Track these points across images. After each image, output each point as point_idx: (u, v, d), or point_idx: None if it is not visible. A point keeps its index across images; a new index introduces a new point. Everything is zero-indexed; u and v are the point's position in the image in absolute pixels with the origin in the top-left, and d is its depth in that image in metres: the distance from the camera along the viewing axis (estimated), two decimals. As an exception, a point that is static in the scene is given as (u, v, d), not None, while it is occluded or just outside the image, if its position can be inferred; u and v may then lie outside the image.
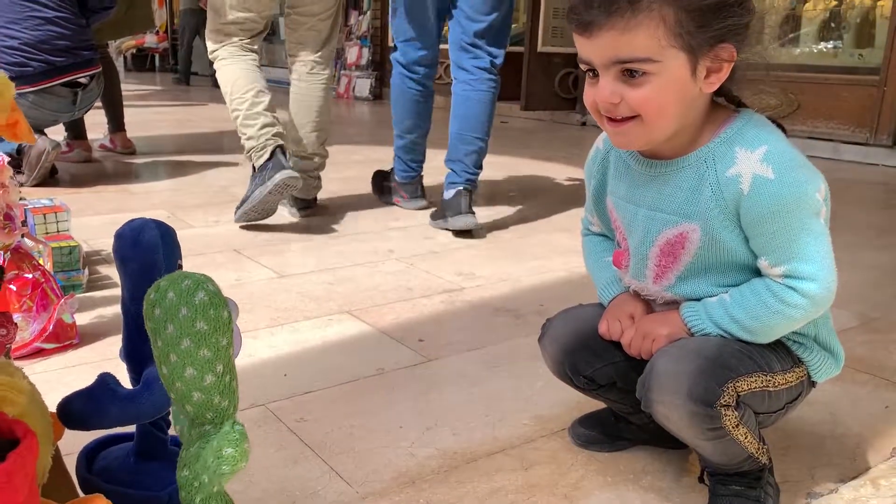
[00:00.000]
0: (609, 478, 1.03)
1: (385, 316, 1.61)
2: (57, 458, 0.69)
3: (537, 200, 2.86)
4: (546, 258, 2.07)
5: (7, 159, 1.32)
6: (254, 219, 2.25)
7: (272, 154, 2.22)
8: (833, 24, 4.32)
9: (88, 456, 0.79)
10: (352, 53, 7.30)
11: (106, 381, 0.66)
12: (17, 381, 0.55)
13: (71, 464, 0.78)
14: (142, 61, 10.11)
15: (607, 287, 1.06)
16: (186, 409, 0.59)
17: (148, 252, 0.68)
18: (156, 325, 0.57)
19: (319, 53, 2.47)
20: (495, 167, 3.57)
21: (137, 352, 0.71)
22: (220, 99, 2.75)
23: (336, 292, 1.75)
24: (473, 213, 2.32)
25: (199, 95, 7.10)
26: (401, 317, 1.61)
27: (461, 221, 2.28)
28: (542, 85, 5.45)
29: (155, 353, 0.59)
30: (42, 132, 2.77)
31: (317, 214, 2.51)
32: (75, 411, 0.64)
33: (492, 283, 1.85)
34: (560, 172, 3.50)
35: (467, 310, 1.68)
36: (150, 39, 9.88)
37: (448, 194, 2.35)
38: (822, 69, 4.28)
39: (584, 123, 5.49)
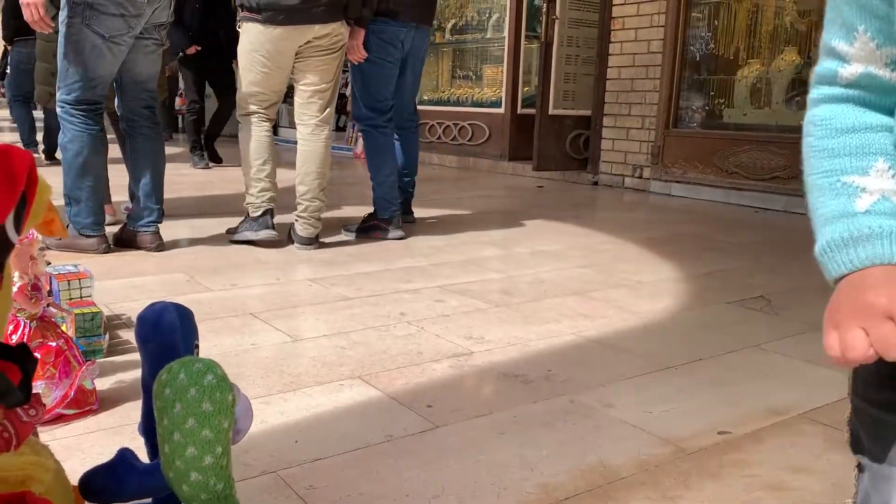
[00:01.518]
0: (611, 548, 1.05)
1: (395, 381, 1.65)
2: (77, 530, 0.73)
3: (547, 263, 2.90)
4: (555, 322, 2.11)
5: (36, 234, 1.40)
6: (238, 243, 3.07)
7: (263, 213, 3.02)
8: (838, 87, 4.39)
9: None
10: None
11: (125, 457, 0.70)
12: (44, 461, 0.59)
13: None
14: (175, 123, 10.40)
15: (853, 221, 0.54)
16: (182, 489, 0.63)
17: (167, 334, 0.73)
18: (164, 404, 0.61)
19: (320, 117, 3.07)
20: (509, 227, 3.64)
21: (153, 429, 0.76)
22: (239, 161, 3.10)
23: (348, 356, 1.79)
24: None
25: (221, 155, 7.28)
26: (410, 382, 1.65)
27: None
28: (553, 146, 5.56)
29: (159, 431, 0.63)
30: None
31: (332, 272, 2.57)
32: (97, 487, 0.69)
33: (500, 348, 1.88)
34: (572, 234, 3.56)
35: (476, 374, 1.71)
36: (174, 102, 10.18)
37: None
38: (829, 131, 4.34)
39: (595, 183, 5.57)
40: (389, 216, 3.32)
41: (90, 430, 1.37)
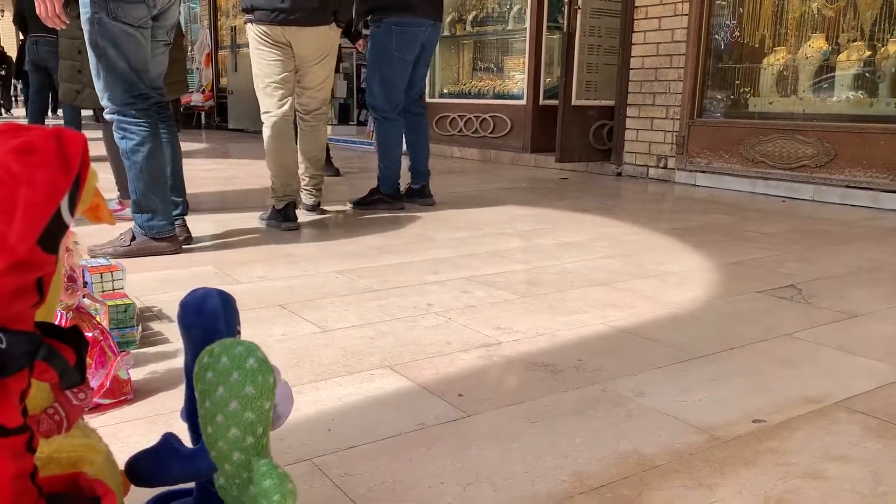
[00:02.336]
0: (648, 536, 1.04)
1: (424, 371, 1.65)
2: (123, 513, 0.74)
3: (572, 254, 2.89)
4: (583, 312, 2.10)
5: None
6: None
7: (286, 206, 3.32)
8: (868, 74, 4.32)
9: (150, 510, 0.83)
10: (389, 109, 7.50)
11: (170, 441, 0.71)
12: (95, 443, 0.60)
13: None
14: (188, 119, 10.50)
15: None
16: (225, 468, 0.63)
17: (210, 319, 0.73)
18: (206, 387, 0.62)
19: (319, 111, 3.55)
20: (532, 218, 3.63)
21: (195, 411, 0.77)
22: (262, 155, 3.30)
23: (377, 347, 1.79)
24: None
25: (243, 151, 7.33)
26: (440, 371, 1.65)
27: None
28: (576, 137, 5.53)
29: (201, 413, 0.64)
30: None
31: (359, 264, 2.58)
32: (143, 470, 0.69)
33: (529, 338, 1.88)
34: (596, 225, 3.54)
35: (505, 364, 1.71)
36: (196, 98, 10.28)
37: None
38: (858, 118, 4.28)
39: (619, 174, 5.53)
40: (392, 192, 3.87)
41: (126, 419, 1.39)
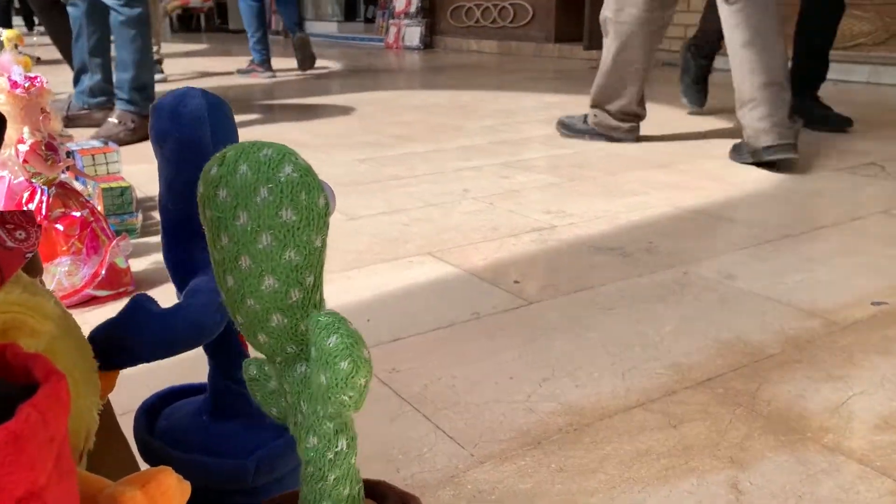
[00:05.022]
0: (781, 436, 0.83)
1: (470, 257, 1.42)
2: (108, 417, 0.53)
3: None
4: (643, 194, 1.85)
5: (46, 81, 1.16)
6: None
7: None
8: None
9: (149, 414, 0.62)
10: (400, 1, 7.02)
11: (139, 300, 0.49)
12: (43, 302, 0.37)
13: (126, 425, 0.61)
14: (187, 21, 10.01)
15: None
16: (258, 339, 0.40)
17: (191, 126, 0.49)
18: (220, 214, 0.38)
19: None
20: (566, 105, 3.32)
21: (182, 263, 0.54)
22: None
23: (412, 233, 1.56)
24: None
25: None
26: (489, 257, 1.42)
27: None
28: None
29: (215, 257, 0.40)
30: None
31: (380, 153, 2.32)
32: (107, 340, 0.47)
33: (586, 221, 1.64)
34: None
35: (564, 249, 1.47)
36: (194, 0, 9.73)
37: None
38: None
39: (650, 64, 5.14)
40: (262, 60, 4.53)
41: (128, 313, 1.18)
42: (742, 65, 2.07)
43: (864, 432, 0.83)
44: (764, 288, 1.24)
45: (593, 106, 2.51)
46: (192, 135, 0.50)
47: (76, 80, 2.74)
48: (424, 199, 1.83)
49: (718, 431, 0.84)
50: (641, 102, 2.44)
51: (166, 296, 1.22)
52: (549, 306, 1.19)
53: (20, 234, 0.41)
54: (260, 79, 4.51)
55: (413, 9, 6.91)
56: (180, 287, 0.56)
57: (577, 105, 3.33)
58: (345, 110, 3.33)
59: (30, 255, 0.41)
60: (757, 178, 1.99)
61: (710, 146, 2.42)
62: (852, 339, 1.06)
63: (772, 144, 1.98)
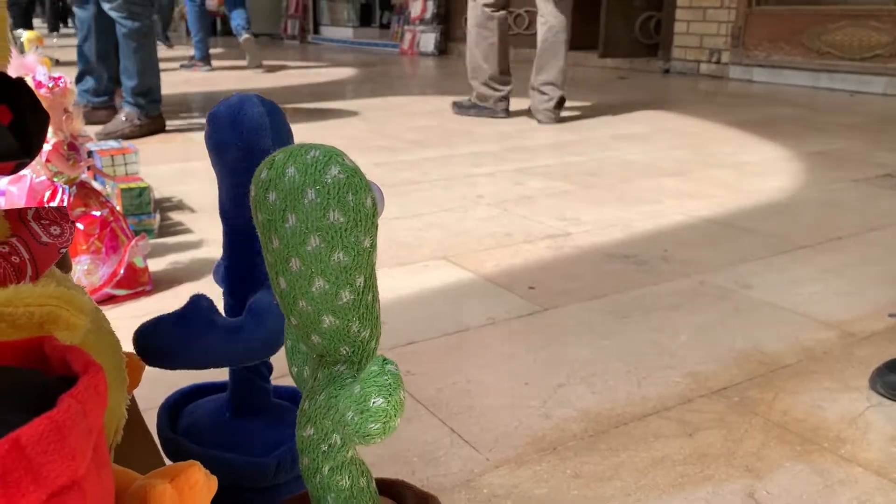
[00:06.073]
0: (797, 446, 0.83)
1: (485, 262, 1.42)
2: (134, 412, 0.53)
3: (633, 145, 2.61)
4: (657, 202, 1.85)
5: (70, 82, 1.17)
6: None
7: None
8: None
9: (172, 410, 0.62)
10: (415, 7, 7.05)
11: (200, 304, 0.49)
12: (78, 297, 0.38)
13: (149, 422, 0.62)
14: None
15: None
16: (312, 340, 0.41)
17: (253, 134, 0.50)
18: (270, 217, 0.39)
19: None
20: (581, 112, 3.33)
21: (241, 273, 0.54)
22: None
23: (427, 238, 1.57)
24: None
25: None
26: (503, 263, 1.42)
27: None
28: (621, 30, 5.11)
29: (268, 260, 0.41)
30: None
31: (395, 157, 2.33)
32: (160, 340, 0.47)
33: (600, 228, 1.64)
34: (653, 119, 3.23)
35: (579, 256, 1.47)
36: (208, 4, 9.79)
37: None
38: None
39: (667, 71, 5.14)
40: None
41: (144, 313, 1.18)
42: None
43: (882, 444, 0.83)
44: (780, 298, 1.24)
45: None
46: (254, 143, 0.51)
47: (79, 79, 2.81)
48: (438, 204, 1.84)
49: (734, 440, 0.84)
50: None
51: (184, 295, 1.23)
52: (564, 313, 1.19)
53: (55, 230, 0.41)
54: (199, 72, 5.05)
55: (428, 15, 6.94)
56: (232, 294, 0.56)
57: (591, 112, 3.34)
58: (359, 115, 3.34)
59: (64, 250, 0.41)
60: (771, 188, 1.98)
61: (723, 155, 2.42)
62: (869, 351, 1.05)
63: None
